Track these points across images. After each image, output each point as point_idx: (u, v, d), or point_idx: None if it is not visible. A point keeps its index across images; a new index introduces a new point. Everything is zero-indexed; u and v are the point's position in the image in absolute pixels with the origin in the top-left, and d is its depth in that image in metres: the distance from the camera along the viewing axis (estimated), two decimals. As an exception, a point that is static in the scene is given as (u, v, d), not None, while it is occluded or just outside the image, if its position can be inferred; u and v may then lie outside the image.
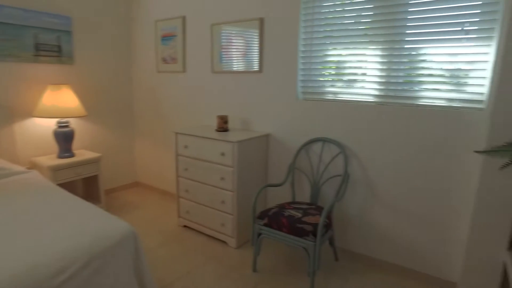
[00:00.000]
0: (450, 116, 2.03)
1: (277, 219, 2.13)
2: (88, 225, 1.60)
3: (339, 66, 2.39)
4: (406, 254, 2.30)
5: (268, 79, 2.70)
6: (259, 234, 2.23)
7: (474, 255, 1.93)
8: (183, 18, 3.14)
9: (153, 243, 2.64)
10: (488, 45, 1.89)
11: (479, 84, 1.94)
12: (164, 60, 3.36)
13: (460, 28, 1.93)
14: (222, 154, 2.49)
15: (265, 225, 2.18)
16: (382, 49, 2.21)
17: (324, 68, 2.45)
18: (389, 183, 2.29)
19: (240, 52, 2.78)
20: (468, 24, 1.91)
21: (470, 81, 1.96)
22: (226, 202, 2.56)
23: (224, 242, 2.67)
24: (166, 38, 3.29)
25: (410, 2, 2.06)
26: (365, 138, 2.33)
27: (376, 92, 2.27)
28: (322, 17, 2.39)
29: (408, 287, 2.17)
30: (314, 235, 2.00)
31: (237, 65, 2.83)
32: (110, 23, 3.47)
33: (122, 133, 3.79)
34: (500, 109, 1.76)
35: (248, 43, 2.72)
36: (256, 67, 2.71)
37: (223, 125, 2.75)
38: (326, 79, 2.45)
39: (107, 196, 3.64)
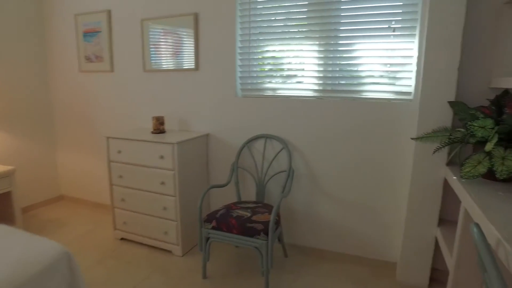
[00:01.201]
0: (383, 108, 2.16)
1: (226, 221, 2.06)
2: (8, 252, 1.34)
3: (277, 62, 2.40)
4: (352, 242, 2.40)
5: (206, 77, 2.61)
6: (207, 239, 2.13)
7: (411, 234, 2.09)
8: (108, 12, 2.87)
9: (88, 262, 2.36)
10: (412, 41, 2.05)
11: (407, 77, 2.10)
12: (88, 59, 3.05)
13: (387, 26, 2.08)
14: (161, 157, 2.33)
15: (213, 228, 2.09)
16: (318, 45, 2.27)
17: (263, 64, 2.44)
18: (332, 175, 2.36)
19: (175, 49, 2.64)
20: (394, 22, 2.06)
21: (399, 75, 2.12)
22: (168, 208, 2.40)
23: (168, 251, 2.50)
24: (89, 34, 2.98)
25: (341, 0, 2.16)
26: (307, 133, 2.38)
27: (315, 87, 2.33)
28: (258, 13, 2.38)
29: (356, 273, 2.26)
30: (266, 233, 1.97)
31: (172, 63, 2.68)
32: (17, 19, 3.03)
33: (40, 142, 3.34)
34: (426, 99, 1.92)
35: (183, 40, 2.59)
36: (192, 64, 2.60)
37: (159, 127, 2.58)
38: (265, 75, 2.45)
39: (24, 214, 3.18)
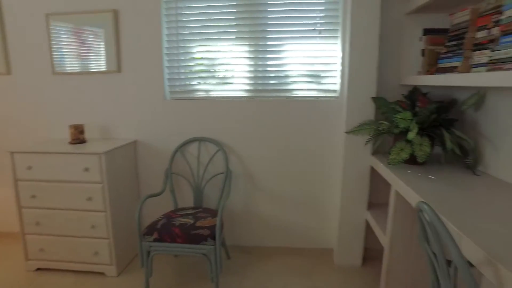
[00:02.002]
0: (312, 105, 2.30)
1: (169, 231, 1.94)
2: None
3: (208, 63, 2.35)
4: (292, 236, 2.49)
5: (129, 79, 2.41)
6: (149, 253, 1.98)
7: (345, 220, 2.27)
8: (-1, 5, 2.43)
9: (-4, 303, 1.97)
10: (335, 43, 2.23)
11: (332, 76, 2.27)
12: (-27, 60, 2.53)
13: (313, 28, 2.22)
14: (86, 169, 2.08)
15: (155, 240, 1.94)
16: (248, 46, 2.30)
17: (193, 66, 2.37)
18: (268, 173, 2.42)
19: (92, 49, 2.37)
20: (319, 25, 2.21)
21: (325, 74, 2.28)
22: (97, 225, 2.15)
23: (100, 273, 2.24)
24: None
25: (268, 2, 2.22)
26: (241, 133, 2.39)
27: (246, 88, 2.35)
28: (186, 12, 2.30)
29: (299, 264, 2.36)
30: (213, 238, 1.92)
31: (89, 64, 2.40)
32: None
33: None
34: (352, 96, 2.10)
35: (101, 39, 2.35)
36: (113, 66, 2.37)
37: (78, 136, 2.29)
38: (195, 76, 2.38)
39: None
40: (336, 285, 2.10)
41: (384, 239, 1.87)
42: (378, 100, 2.03)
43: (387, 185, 2.36)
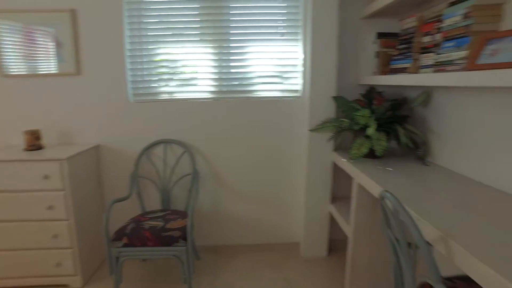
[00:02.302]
0: (276, 105, 2.38)
1: (139, 235, 1.91)
2: None
3: (172, 64, 2.34)
4: (260, 232, 2.56)
5: (89, 82, 2.32)
6: (118, 259, 1.93)
7: (310, 213, 2.38)
8: None
9: None
10: (297, 45, 2.33)
11: (295, 77, 2.37)
12: None
13: (275, 31, 2.30)
14: (46, 177, 1.98)
15: (125, 245, 1.90)
16: (212, 47, 2.32)
17: (157, 68, 2.35)
18: (235, 172, 2.46)
19: (48, 50, 2.25)
20: (281, 27, 2.30)
21: (288, 75, 2.37)
22: (60, 235, 2.05)
23: (64, 285, 2.14)
24: None
25: (231, 5, 2.27)
26: (207, 134, 2.41)
27: (211, 89, 2.38)
28: (149, 14, 2.27)
29: (268, 259, 2.43)
30: (184, 239, 1.92)
31: (45, 66, 2.28)
32: None
33: None
34: (315, 96, 2.22)
35: (58, 40, 2.24)
36: (71, 68, 2.27)
37: (35, 142, 2.17)
38: (159, 78, 2.36)
39: None
40: (305, 276, 2.20)
41: (348, 229, 2.00)
42: (338, 99, 2.16)
43: (348, 179, 2.51)
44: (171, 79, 2.36)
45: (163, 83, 2.36)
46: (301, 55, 2.34)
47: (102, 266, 2.37)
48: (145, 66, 2.34)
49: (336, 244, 2.58)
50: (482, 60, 1.39)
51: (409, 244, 1.20)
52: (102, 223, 1.92)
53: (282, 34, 2.30)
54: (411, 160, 1.97)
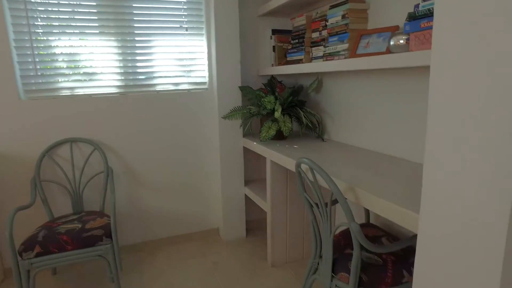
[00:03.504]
0: (185, 98, 2.46)
1: (55, 240, 1.76)
2: None
3: (71, 58, 2.19)
4: (181, 224, 2.60)
5: (-36, 78, 2.00)
6: (29, 272, 1.75)
7: (226, 198, 2.54)
8: None
9: None
10: (201, 40, 2.45)
11: (201, 70, 2.49)
12: None
13: (179, 26, 2.37)
14: None
15: (38, 255, 1.73)
16: (115, 41, 2.26)
17: (54, 61, 2.15)
18: (150, 167, 2.45)
19: None
20: (184, 22, 2.38)
21: (194, 68, 2.47)
22: None
23: (-44, 316, 1.82)
24: None
25: (133, -2, 2.25)
26: (117, 130, 2.33)
27: (117, 83, 2.31)
28: (40, 1, 2.06)
29: (191, 247, 2.50)
30: (108, 236, 1.86)
31: None
32: None
33: None
34: (222, 87, 2.38)
35: None
36: None
37: None
38: (58, 73, 2.17)
39: None
40: (230, 257, 2.36)
41: (265, 205, 2.23)
42: (244, 89, 2.38)
43: (256, 163, 2.76)
44: (72, 74, 2.20)
45: (63, 78, 2.18)
46: (205, 50, 2.47)
47: (3, 284, 2.08)
48: (38, 60, 2.12)
49: (253, 225, 2.82)
50: (360, 51, 1.77)
51: (321, 202, 1.47)
52: (5, 234, 1.68)
53: (186, 29, 2.39)
54: (311, 139, 2.32)
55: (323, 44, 2.05)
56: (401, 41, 1.38)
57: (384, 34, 1.69)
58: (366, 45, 1.76)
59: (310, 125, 2.20)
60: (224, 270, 2.21)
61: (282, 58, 2.51)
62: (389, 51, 1.54)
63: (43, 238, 1.78)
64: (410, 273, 1.34)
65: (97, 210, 2.30)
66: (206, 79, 2.51)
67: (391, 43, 1.44)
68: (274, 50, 2.56)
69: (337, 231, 2.00)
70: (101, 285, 2.08)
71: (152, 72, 2.38)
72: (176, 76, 2.44)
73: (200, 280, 2.10)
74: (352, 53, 1.79)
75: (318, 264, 1.56)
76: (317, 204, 1.46)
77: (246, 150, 2.72)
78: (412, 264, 1.36)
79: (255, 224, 2.84)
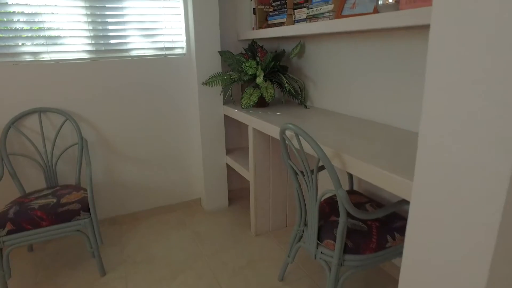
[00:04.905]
0: (162, 63, 2.32)
1: (28, 216, 1.68)
2: None
3: (32, 18, 1.98)
4: (161, 195, 2.54)
5: None
6: (1, 250, 1.67)
7: (208, 168, 2.48)
8: None
9: None
10: (177, 1, 2.27)
11: (178, 33, 2.33)
12: None
13: (153, -17, 2.18)
14: None
15: (10, 232, 1.65)
16: (82, 1, 2.06)
17: (11, 22, 1.95)
18: (126, 137, 2.34)
19: None
20: (159, -20, 2.19)
21: (171, 32, 2.31)
22: None
23: None
24: None
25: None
26: (89, 98, 2.19)
27: (87, 48, 2.14)
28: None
29: (173, 219, 2.46)
30: (86, 210, 1.78)
31: None
32: None
33: None
34: (200, 52, 2.25)
35: None
36: None
37: None
38: (17, 35, 1.97)
39: None
40: (212, 227, 2.35)
41: (248, 174, 2.20)
42: (224, 53, 2.26)
43: (238, 131, 2.70)
44: (35, 37, 2.00)
45: (23, 41, 1.99)
46: (182, 11, 2.30)
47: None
48: (-7, 21, 1.91)
49: (234, 194, 2.80)
50: (345, 12, 1.68)
51: (306, 170, 1.43)
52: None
53: (162, -13, 2.21)
54: (294, 106, 2.26)
55: (307, 6, 1.94)
56: (390, 0, 1.31)
57: (371, -7, 1.61)
58: (352, 5, 1.68)
59: (292, 91, 2.13)
60: (207, 239, 2.19)
61: (263, 22, 2.38)
62: (376, 11, 1.47)
63: (14, 214, 1.68)
64: (394, 238, 1.36)
65: (73, 184, 2.20)
66: (184, 44, 2.37)
67: (379, 2, 1.36)
68: (254, 13, 2.42)
69: (322, 199, 2.01)
70: (81, 259, 2.03)
71: (125, 36, 2.21)
72: (151, 42, 2.28)
73: (183, 250, 2.08)
74: (338, 14, 1.70)
75: (303, 232, 1.56)
76: (302, 172, 1.43)
77: (227, 118, 2.65)
78: (395, 229, 1.38)
79: (237, 193, 2.82)
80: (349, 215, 1.42)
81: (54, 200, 1.80)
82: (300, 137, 1.37)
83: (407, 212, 1.23)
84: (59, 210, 1.73)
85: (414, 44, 1.49)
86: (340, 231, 1.28)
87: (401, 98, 1.59)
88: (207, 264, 1.95)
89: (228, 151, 2.60)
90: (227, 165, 2.58)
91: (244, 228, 2.32)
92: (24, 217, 1.68)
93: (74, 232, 1.76)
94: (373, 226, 1.39)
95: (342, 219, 1.26)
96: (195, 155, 2.58)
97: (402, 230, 1.38)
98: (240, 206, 2.63)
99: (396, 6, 1.29)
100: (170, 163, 2.52)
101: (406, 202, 1.31)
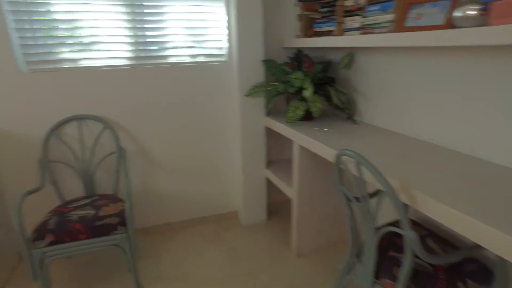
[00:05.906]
0: (201, 71, 2.23)
1: (67, 228, 1.64)
2: None
3: (74, 26, 1.95)
4: (196, 206, 2.47)
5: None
6: (41, 261, 1.64)
7: (247, 180, 2.38)
8: None
9: None
10: (220, 6, 2.19)
11: (219, 40, 2.24)
12: None
13: (197, -11, 2.11)
14: None
15: (51, 244, 1.62)
16: (122, 6, 2.00)
17: (54, 29, 1.93)
18: (164, 147, 2.28)
19: None
20: (203, -14, 2.11)
21: (212, 38, 2.23)
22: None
23: (-32, 303, 1.75)
24: None
25: (144, -44, 1.97)
26: (128, 106, 2.14)
27: (126, 55, 2.09)
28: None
29: (209, 232, 2.39)
30: (123, 224, 1.73)
31: None
32: None
33: None
34: (243, 60, 2.14)
35: None
36: None
37: None
38: (60, 42, 1.95)
39: None
40: (250, 242, 2.24)
41: (290, 191, 2.07)
42: (268, 63, 2.15)
43: (280, 143, 2.58)
44: (76, 44, 1.98)
45: (65, 48, 1.97)
46: (224, 18, 2.21)
47: (18, 271, 2.00)
48: (36, 26, 1.89)
49: (272, 208, 2.68)
50: (409, 23, 1.52)
51: (363, 197, 1.29)
52: (14, 221, 1.57)
53: (205, -7, 2.13)
54: (341, 119, 2.11)
55: (361, 14, 1.79)
56: (473, 12, 1.14)
57: (440, 3, 1.44)
58: (417, 16, 1.51)
59: (340, 105, 1.99)
60: (243, 257, 2.09)
61: (309, 29, 2.24)
62: (450, 24, 1.30)
63: (55, 226, 1.65)
64: (466, 285, 1.19)
65: (110, 193, 2.17)
66: (225, 51, 2.28)
67: (458, 14, 1.20)
68: (300, 20, 2.29)
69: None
70: (117, 271, 1.98)
71: (165, 42, 2.14)
72: (192, 47, 2.20)
73: (218, 268, 1.99)
74: (399, 25, 1.54)
75: (354, 263, 1.42)
76: (356, 198, 1.29)
77: (267, 128, 2.54)
78: (467, 275, 1.21)
79: (276, 206, 2.70)
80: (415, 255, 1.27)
81: (93, 212, 1.76)
82: (360, 165, 1.23)
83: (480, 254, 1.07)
84: (97, 223, 1.69)
85: (499, 64, 1.29)
86: (404, 274, 1.13)
87: (478, 123, 1.41)
88: (244, 286, 1.85)
89: (268, 163, 2.49)
90: (267, 178, 2.46)
91: (283, 246, 2.20)
92: (64, 229, 1.64)
93: (111, 247, 1.71)
94: (440, 268, 1.23)
95: (407, 262, 1.11)
96: (234, 166, 2.49)
97: (476, 276, 1.21)
98: (279, 221, 2.51)
99: (481, 19, 1.12)
100: (207, 174, 2.44)
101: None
